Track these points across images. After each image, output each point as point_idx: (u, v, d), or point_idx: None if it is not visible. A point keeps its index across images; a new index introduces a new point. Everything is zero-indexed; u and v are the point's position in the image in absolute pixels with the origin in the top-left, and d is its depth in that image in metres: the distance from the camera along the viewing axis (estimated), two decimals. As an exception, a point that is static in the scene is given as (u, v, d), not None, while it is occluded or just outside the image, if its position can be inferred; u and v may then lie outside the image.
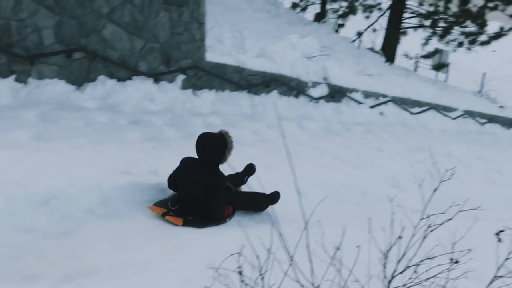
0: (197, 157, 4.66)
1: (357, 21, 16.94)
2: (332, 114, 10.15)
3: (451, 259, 1.99)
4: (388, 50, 15.13)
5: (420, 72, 16.99)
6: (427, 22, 15.60)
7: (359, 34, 15.97)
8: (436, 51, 16.27)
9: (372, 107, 11.12)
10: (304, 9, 16.95)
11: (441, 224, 2.15)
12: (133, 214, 4.47)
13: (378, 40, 15.86)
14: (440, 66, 16.54)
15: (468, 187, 8.00)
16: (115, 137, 5.75)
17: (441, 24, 15.55)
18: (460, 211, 2.26)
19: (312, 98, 9.96)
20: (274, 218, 4.84)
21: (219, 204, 4.67)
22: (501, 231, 2.66)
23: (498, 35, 15.37)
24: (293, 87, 9.66)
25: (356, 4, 16.45)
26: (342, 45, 14.15)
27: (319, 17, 15.76)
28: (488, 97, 16.45)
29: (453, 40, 15.68)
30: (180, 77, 7.67)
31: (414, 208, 7.37)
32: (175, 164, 4.87)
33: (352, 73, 11.86)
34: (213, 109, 7.96)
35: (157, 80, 7.34)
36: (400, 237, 2.10)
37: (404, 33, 15.83)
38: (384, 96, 11.63)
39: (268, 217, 5.08)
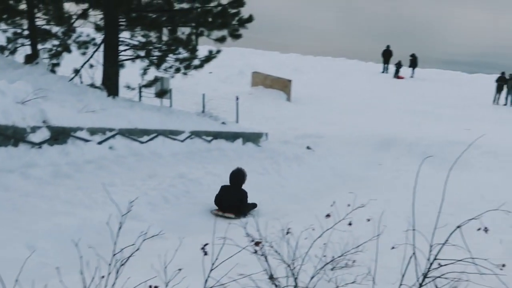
0: (229, 184, 9.69)
1: (77, 58, 16.62)
2: (59, 157, 9.75)
3: (150, 286, 2.06)
4: (109, 84, 15.16)
5: (145, 101, 17.40)
6: (143, 53, 16.08)
7: (76, 72, 15.71)
8: (156, 79, 16.84)
9: (100, 143, 11.00)
10: (13, 52, 15.98)
11: (129, 257, 2.20)
12: None
13: (98, 75, 15.78)
14: (162, 93, 17.16)
15: (201, 204, 8.47)
16: None
17: (156, 53, 16.17)
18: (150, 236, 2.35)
19: (34, 144, 9.43)
20: None
21: (246, 208, 9.42)
22: (206, 244, 2.86)
23: (208, 58, 16.58)
24: (9, 136, 9.02)
25: (69, 41, 16.11)
26: (60, 85, 13.69)
27: (31, 58, 15.02)
28: (211, 115, 17.63)
29: (170, 67, 16.41)
30: None
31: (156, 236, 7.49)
32: None
33: (74, 111, 11.55)
34: None
35: None
36: (103, 276, 2.10)
37: (122, 66, 16.06)
38: (111, 130, 11.61)
39: None
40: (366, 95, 26.82)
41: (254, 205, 9.72)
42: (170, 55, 16.16)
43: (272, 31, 47.54)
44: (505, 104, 27.39)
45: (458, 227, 3.25)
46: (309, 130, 19.53)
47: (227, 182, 10.18)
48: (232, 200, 9.26)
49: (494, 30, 53.97)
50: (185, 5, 15.71)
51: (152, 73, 16.83)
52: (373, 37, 46.67)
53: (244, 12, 15.94)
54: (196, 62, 16.49)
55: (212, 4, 15.62)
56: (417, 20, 57.01)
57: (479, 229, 3.51)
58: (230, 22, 15.60)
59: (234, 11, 15.59)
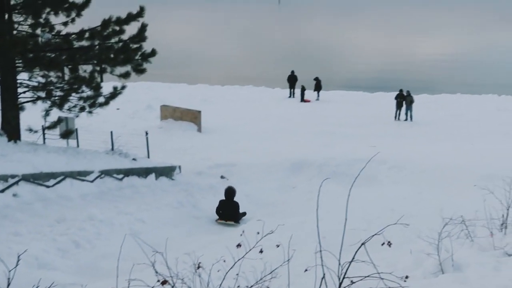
0: (224, 198, 12.81)
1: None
2: (-44, 209, 9.15)
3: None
4: (9, 128, 14.50)
5: (49, 143, 16.75)
6: (43, 94, 15.52)
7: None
8: (60, 120, 16.26)
9: (2, 191, 10.47)
10: None
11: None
12: None
13: (-4, 120, 15.05)
14: (67, 134, 16.54)
15: (113, 245, 8.19)
16: None
17: (58, 93, 15.65)
18: None
19: None
20: None
21: (239, 215, 12.61)
22: (111, 289, 2.74)
23: (113, 95, 16.25)
24: None
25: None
26: (-46, 133, 12.95)
27: None
28: (121, 152, 17.22)
29: (74, 106, 15.92)
30: None
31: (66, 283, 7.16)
32: None
33: (-29, 160, 10.94)
34: None
35: None
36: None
37: (22, 108, 15.42)
38: (14, 176, 11.09)
39: None
40: (275, 120, 27.31)
41: (244, 214, 13.01)
42: (73, 94, 15.71)
43: (178, 63, 47.60)
44: (406, 120, 28.77)
45: (363, 244, 3.34)
46: (222, 159, 19.55)
47: (142, 220, 9.99)
48: (229, 210, 12.58)
49: (388, 50, 57.04)
50: (85, 43, 15.37)
51: (55, 113, 16.26)
52: (277, 63, 47.87)
53: (147, 46, 15.84)
54: (101, 99, 16.12)
55: (113, 40, 15.40)
56: (319, 45, 59.18)
57: (383, 244, 3.62)
58: (133, 57, 15.42)
59: (136, 46, 15.44)
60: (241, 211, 13.02)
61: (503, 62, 50.28)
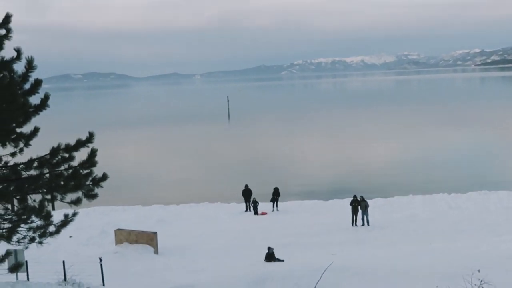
0: (268, 252, 22.32)
1: None
2: None
3: None
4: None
5: (-3, 279, 15.95)
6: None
7: None
8: (8, 253, 15.59)
9: None
10: None
11: None
12: None
13: None
14: (17, 267, 15.82)
15: None
16: None
17: (6, 225, 15.12)
18: None
19: None
20: None
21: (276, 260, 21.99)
22: None
23: (65, 222, 15.79)
24: None
25: None
26: None
27: None
28: (74, 282, 16.51)
29: (23, 237, 15.36)
30: None
31: None
32: None
33: None
34: None
35: None
36: None
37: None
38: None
39: None
40: (233, 236, 27.01)
41: (280, 260, 21.33)
42: (22, 225, 15.18)
43: (132, 185, 47.29)
44: (363, 224, 28.96)
45: None
46: (180, 281, 18.93)
47: None
48: (271, 258, 21.24)
49: (338, 157, 58.55)
50: (33, 172, 15.12)
51: (3, 246, 15.60)
52: (232, 178, 48.18)
53: (98, 170, 15.68)
54: (51, 228, 15.61)
55: (62, 167, 15.21)
56: (270, 157, 60.26)
57: None
58: (84, 183, 15.16)
59: (86, 171, 15.26)
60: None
61: (450, 162, 52.23)
